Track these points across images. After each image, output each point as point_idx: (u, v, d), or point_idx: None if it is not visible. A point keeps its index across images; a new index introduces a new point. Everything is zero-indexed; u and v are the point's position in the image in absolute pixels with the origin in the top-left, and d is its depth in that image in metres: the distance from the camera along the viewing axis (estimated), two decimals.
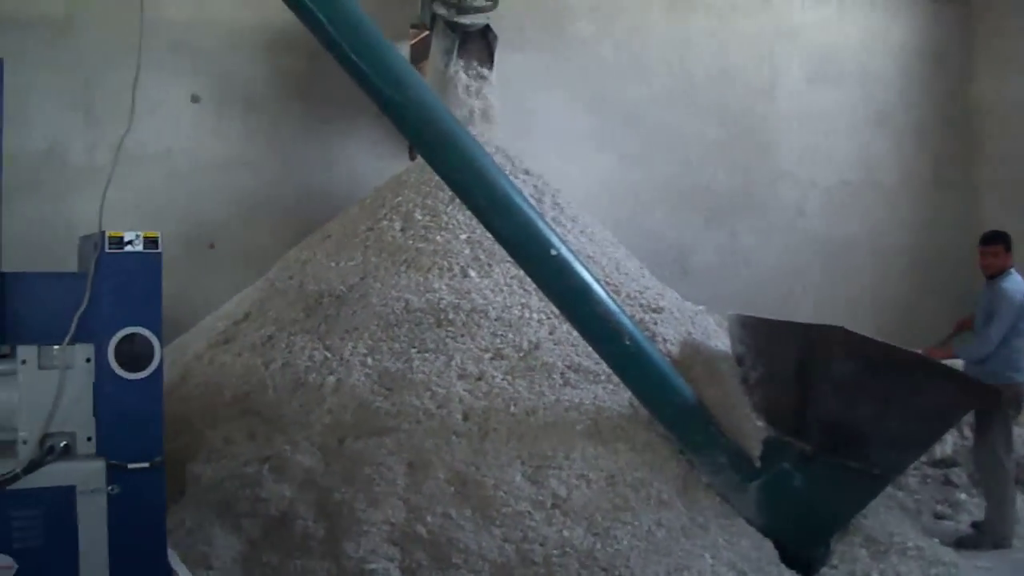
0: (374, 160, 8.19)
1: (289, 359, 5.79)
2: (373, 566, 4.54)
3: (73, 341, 3.42)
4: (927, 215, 10.59)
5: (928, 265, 10.49)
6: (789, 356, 5.27)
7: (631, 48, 9.38)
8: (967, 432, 6.92)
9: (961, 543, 5.92)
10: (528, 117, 8.61)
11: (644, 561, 4.65)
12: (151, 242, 3.52)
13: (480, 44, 8.03)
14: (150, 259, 3.52)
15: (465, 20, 7.86)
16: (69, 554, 3.39)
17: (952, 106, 10.71)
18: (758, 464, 5.13)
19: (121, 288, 3.47)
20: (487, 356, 5.76)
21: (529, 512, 4.84)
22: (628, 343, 5.00)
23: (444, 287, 6.18)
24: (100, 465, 3.43)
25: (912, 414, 4.90)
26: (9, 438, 3.40)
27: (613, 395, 5.57)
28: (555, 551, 4.65)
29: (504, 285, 6.28)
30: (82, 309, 3.41)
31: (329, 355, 5.77)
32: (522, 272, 5.53)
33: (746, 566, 4.79)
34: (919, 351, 5.99)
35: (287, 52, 7.97)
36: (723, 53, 9.73)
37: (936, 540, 5.62)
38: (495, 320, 5.98)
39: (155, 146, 7.55)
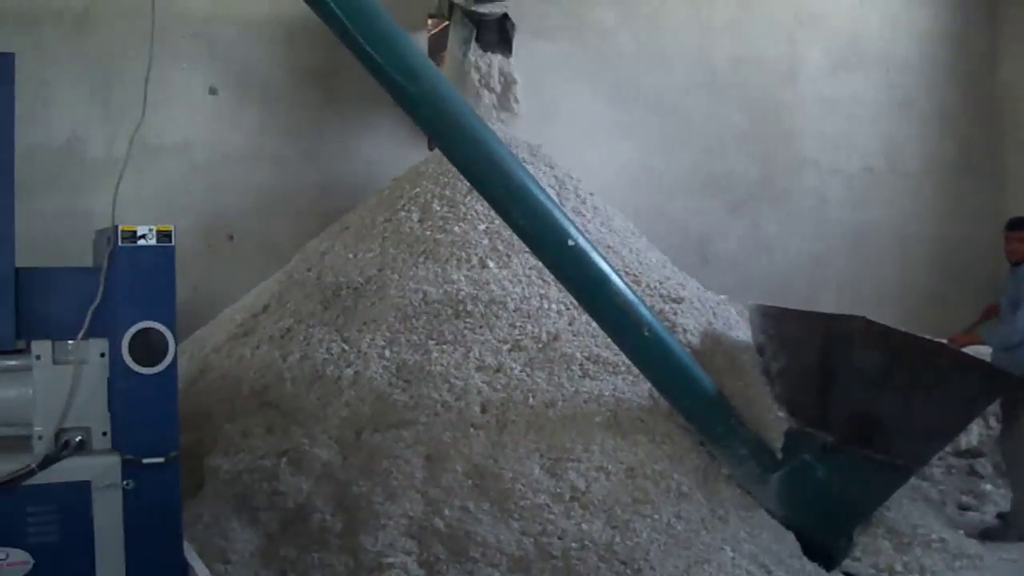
0: (393, 151, 8.16)
1: (307, 352, 5.77)
2: (391, 559, 4.52)
3: (87, 336, 3.40)
4: (952, 202, 10.47)
5: (953, 252, 10.39)
6: (811, 346, 5.21)
7: (652, 36, 9.32)
8: (993, 422, 6.84)
9: (986, 534, 5.84)
10: (548, 106, 8.54)
11: (664, 554, 4.62)
12: (164, 236, 3.49)
13: (498, 34, 7.98)
14: (163, 253, 3.49)
15: (483, 9, 7.80)
16: (85, 549, 3.37)
17: (977, 92, 10.58)
18: (780, 455, 5.09)
19: (134, 282, 3.44)
20: (506, 347, 5.73)
21: (548, 505, 4.81)
22: (647, 334, 4.96)
23: (462, 278, 6.15)
24: (115, 460, 3.42)
25: (936, 404, 4.84)
26: (24, 433, 3.40)
27: (633, 386, 5.54)
28: (574, 544, 4.62)
29: (523, 276, 6.24)
30: (96, 304, 3.39)
31: (347, 347, 5.76)
32: (541, 263, 5.49)
33: (767, 559, 4.75)
34: (945, 338, 5.95)
35: (305, 44, 7.95)
36: (744, 40, 9.63)
37: (961, 532, 5.57)
38: (514, 311, 5.95)
39: (173, 138, 7.59)
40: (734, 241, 9.61)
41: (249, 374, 5.77)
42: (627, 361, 5.40)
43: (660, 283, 6.47)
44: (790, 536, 4.99)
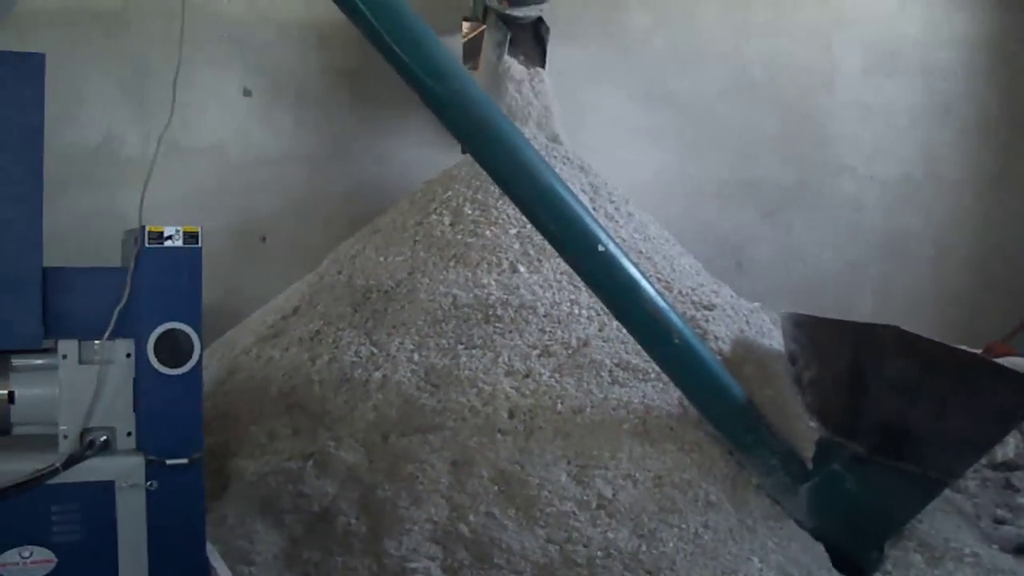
0: (426, 153, 8.16)
1: (336, 354, 5.77)
2: (414, 565, 4.50)
3: (113, 336, 3.43)
4: (990, 210, 10.30)
5: (991, 261, 10.22)
6: (843, 355, 5.14)
7: (685, 39, 9.23)
8: None
9: (1021, 550, 5.74)
10: (581, 110, 8.51)
11: (690, 564, 4.56)
12: (191, 237, 3.52)
13: (532, 37, 7.97)
14: (190, 254, 3.52)
15: (517, 13, 7.79)
16: (108, 549, 3.41)
17: (1017, 100, 10.38)
18: (810, 465, 5.02)
19: (161, 283, 3.48)
20: (535, 353, 5.70)
21: (574, 512, 4.76)
22: (677, 341, 4.90)
23: (492, 282, 6.13)
24: (139, 460, 3.45)
25: (970, 416, 4.74)
26: (50, 432, 3.43)
27: (662, 394, 5.48)
28: (599, 552, 4.57)
29: (554, 281, 6.21)
30: (122, 304, 3.42)
31: (376, 351, 5.75)
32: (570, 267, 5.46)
33: (796, 570, 4.68)
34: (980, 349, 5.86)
35: (338, 46, 7.97)
36: (780, 44, 9.53)
37: (995, 547, 5.46)
38: (543, 316, 5.92)
39: (207, 140, 7.64)
40: (768, 247, 9.52)
41: (277, 376, 5.77)
42: (657, 368, 5.35)
43: (692, 289, 6.41)
44: (820, 548, 4.91)
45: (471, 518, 4.72)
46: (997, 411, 4.81)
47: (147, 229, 3.45)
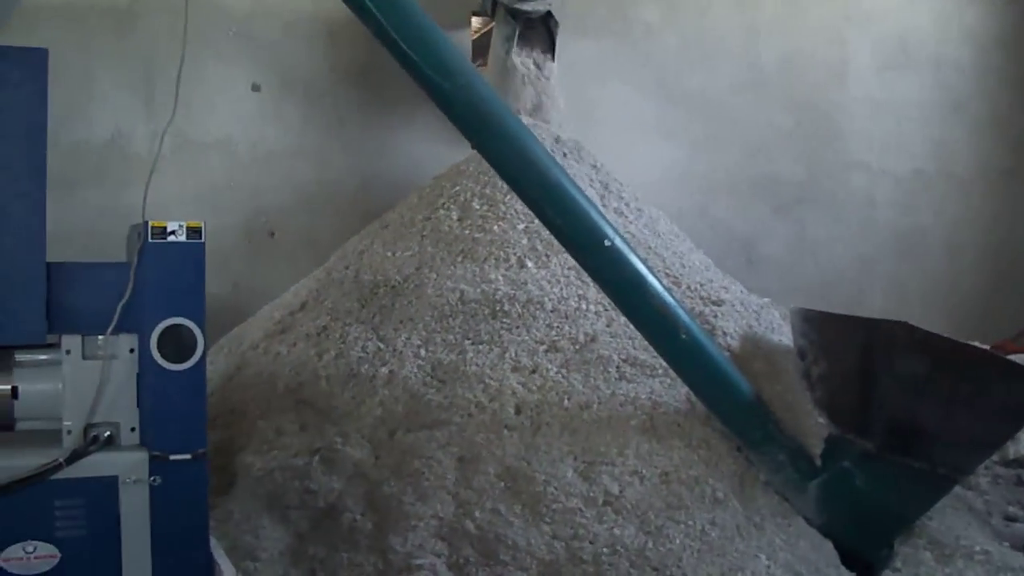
0: (435, 148, 8.13)
1: (343, 350, 5.76)
2: (420, 561, 4.49)
3: (116, 331, 3.43)
4: (1004, 206, 10.24)
5: (1003, 258, 10.17)
6: (852, 351, 5.11)
7: (697, 34, 9.20)
8: None
9: None
10: (591, 106, 8.49)
11: (697, 561, 4.54)
12: (194, 232, 3.51)
13: (542, 32, 7.94)
14: (193, 249, 3.51)
15: (526, 7, 7.76)
16: (111, 544, 3.42)
17: None
18: (819, 462, 4.99)
19: (164, 278, 3.48)
20: (542, 348, 5.68)
21: (580, 509, 4.75)
22: (684, 337, 4.87)
23: (500, 278, 6.11)
24: (143, 456, 3.45)
25: (981, 412, 4.71)
26: (53, 427, 3.43)
27: (670, 390, 5.46)
28: (605, 549, 4.56)
29: (561, 276, 6.19)
30: (125, 299, 3.42)
31: (383, 346, 5.74)
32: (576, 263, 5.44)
33: (804, 568, 4.65)
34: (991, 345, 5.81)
35: (346, 41, 7.96)
36: (791, 39, 9.48)
37: (1006, 544, 5.42)
38: (551, 312, 5.90)
39: (216, 135, 7.64)
40: (779, 243, 9.48)
41: (284, 371, 5.77)
42: (664, 364, 5.32)
43: (701, 285, 6.38)
44: (828, 545, 4.88)
45: (477, 514, 4.71)
46: (1008, 408, 4.77)
47: (150, 224, 3.45)
